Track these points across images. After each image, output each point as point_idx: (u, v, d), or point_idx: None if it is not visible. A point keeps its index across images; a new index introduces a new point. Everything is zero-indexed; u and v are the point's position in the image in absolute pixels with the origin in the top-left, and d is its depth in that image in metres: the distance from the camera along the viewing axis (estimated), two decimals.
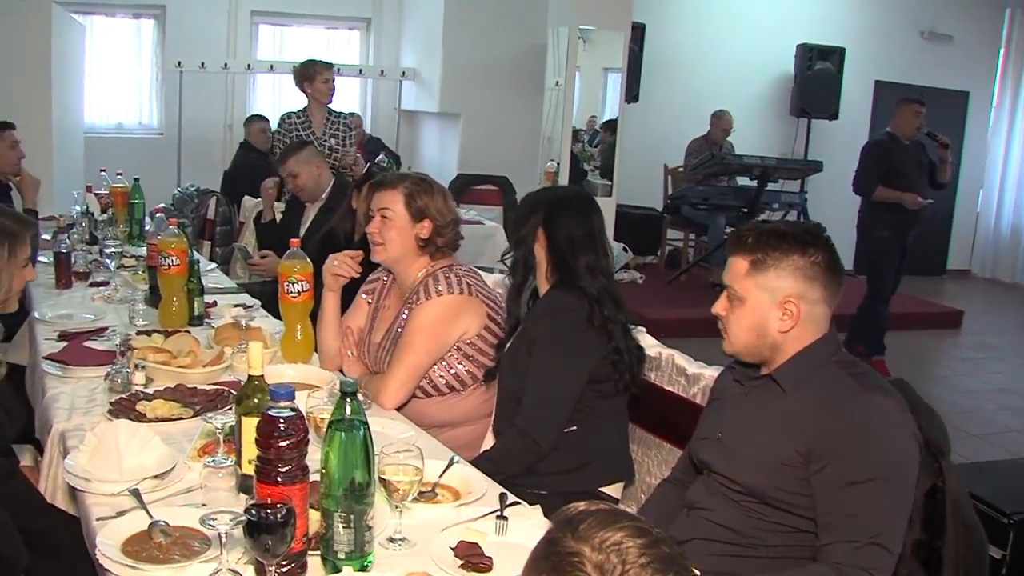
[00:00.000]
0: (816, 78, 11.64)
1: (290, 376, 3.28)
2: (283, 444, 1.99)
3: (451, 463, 2.67)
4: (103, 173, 6.32)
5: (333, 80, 6.78)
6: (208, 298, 4.32)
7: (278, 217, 6.02)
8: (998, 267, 13.62)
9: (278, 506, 1.89)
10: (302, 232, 5.65)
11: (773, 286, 2.34)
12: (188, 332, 3.72)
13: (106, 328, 3.98)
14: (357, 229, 4.85)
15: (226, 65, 10.22)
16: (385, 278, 3.64)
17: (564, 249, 3.18)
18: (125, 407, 3.01)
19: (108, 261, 4.79)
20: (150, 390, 3.17)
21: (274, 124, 7.17)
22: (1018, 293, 12.98)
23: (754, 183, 10.08)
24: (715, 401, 2.72)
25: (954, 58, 12.98)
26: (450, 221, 3.46)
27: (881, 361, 7.68)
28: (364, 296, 3.69)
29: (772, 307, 2.34)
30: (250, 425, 2.27)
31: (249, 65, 10.49)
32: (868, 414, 2.21)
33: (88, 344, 3.69)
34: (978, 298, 12.33)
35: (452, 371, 3.39)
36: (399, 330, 3.42)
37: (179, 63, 9.82)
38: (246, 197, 6.95)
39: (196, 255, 4.29)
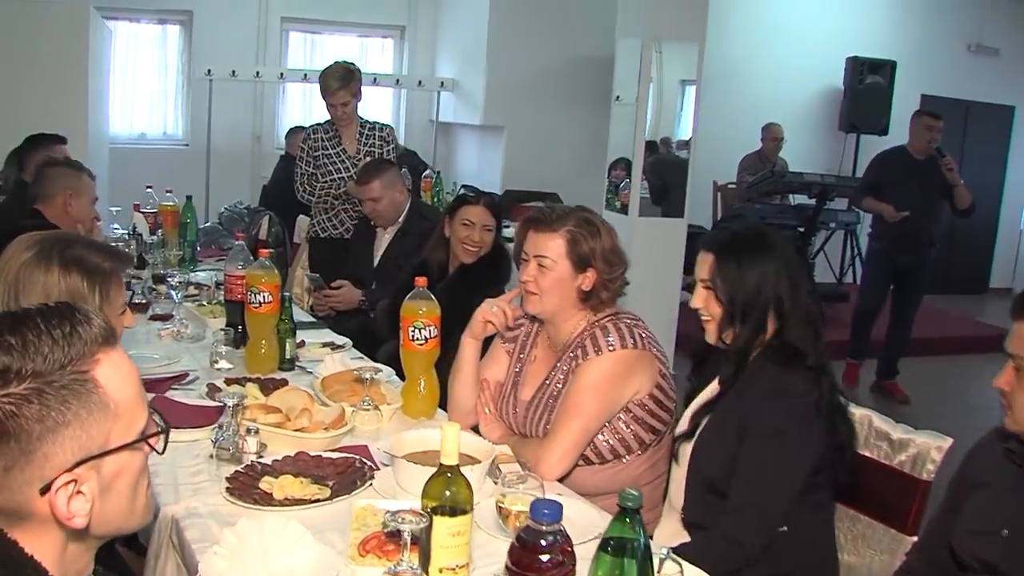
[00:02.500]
0: (867, 92, 11.20)
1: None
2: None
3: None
4: (149, 190, 5.81)
5: (351, 103, 5.72)
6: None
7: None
8: None
9: None
10: (376, 259, 5.17)
11: None
12: (297, 387, 3.19)
13: (186, 374, 3.48)
14: (452, 259, 4.37)
15: (258, 73, 9.74)
16: (529, 325, 3.12)
17: (786, 311, 2.65)
18: (245, 485, 2.51)
19: (173, 293, 4.25)
20: (267, 460, 2.65)
21: None
22: None
23: (810, 201, 9.61)
24: (982, 487, 2.27)
25: (1000, 72, 12.60)
26: (619, 272, 2.96)
27: (894, 383, 7.76)
28: (504, 345, 3.17)
29: None
30: (443, 527, 1.93)
31: (282, 74, 10.03)
32: None
33: (173, 396, 3.17)
34: None
35: (618, 435, 2.90)
36: (556, 388, 2.94)
37: (209, 71, 9.31)
38: (301, 216, 6.44)
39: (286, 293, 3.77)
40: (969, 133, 12.29)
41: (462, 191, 5.13)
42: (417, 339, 3.11)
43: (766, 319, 2.64)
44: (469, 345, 3.07)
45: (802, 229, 9.58)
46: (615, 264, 2.94)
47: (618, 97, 7.43)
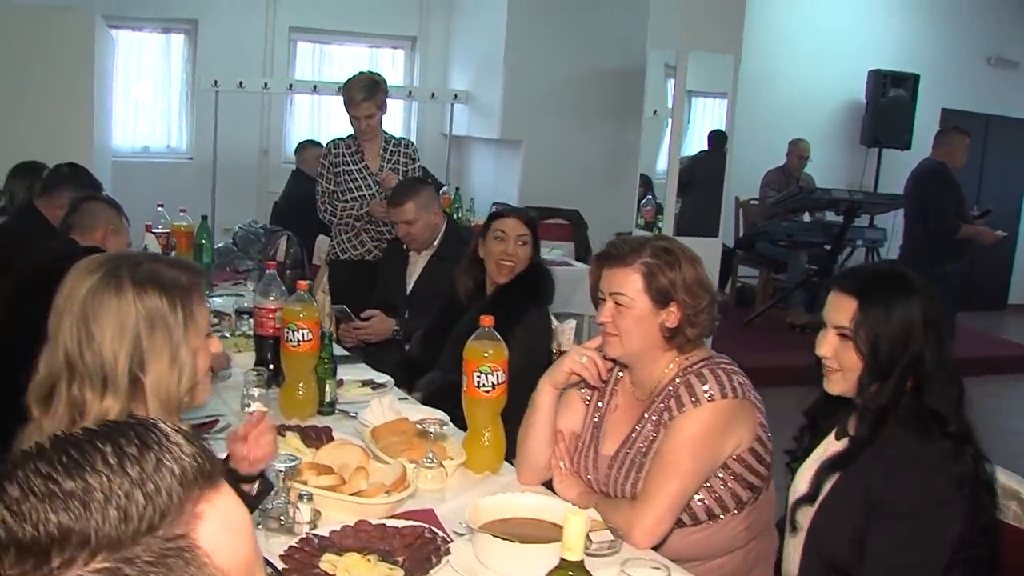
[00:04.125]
0: (889, 106, 10.93)
1: (529, 509, 2.42)
2: None
3: None
4: (160, 208, 5.46)
5: (376, 116, 5.37)
6: None
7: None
8: None
9: None
10: (410, 285, 4.82)
11: None
12: (350, 441, 2.83)
13: (216, 420, 3.13)
14: (488, 284, 4.03)
15: (266, 85, 9.37)
16: (609, 370, 2.77)
17: (928, 368, 2.32)
18: (303, 564, 2.17)
19: None
20: (323, 530, 2.30)
21: None
22: None
23: (837, 218, 9.39)
24: None
25: (1020, 85, 12.37)
26: (705, 304, 2.61)
27: None
28: (581, 392, 2.82)
29: None
30: None
31: (291, 85, 9.65)
32: None
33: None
34: None
35: (714, 494, 2.57)
36: (644, 443, 2.61)
37: (215, 82, 8.93)
38: (320, 237, 6.09)
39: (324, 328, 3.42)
40: (989, 147, 12.05)
41: (494, 208, 4.77)
42: (483, 386, 2.78)
43: (907, 375, 2.31)
44: (547, 393, 2.73)
45: (828, 246, 9.35)
46: (700, 296, 2.60)
47: (655, 112, 7.11)
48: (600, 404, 2.78)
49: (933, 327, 2.32)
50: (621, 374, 2.77)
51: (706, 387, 2.50)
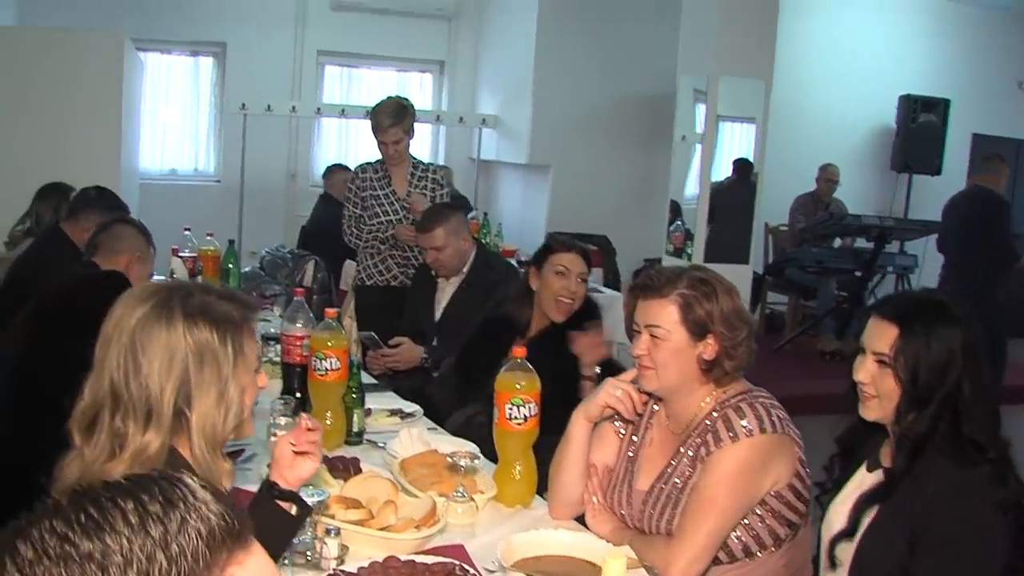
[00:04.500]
0: (920, 131, 10.81)
1: (563, 546, 2.36)
2: None
3: None
4: (188, 232, 5.44)
5: (403, 141, 5.32)
6: None
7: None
8: None
9: None
10: (438, 312, 4.76)
11: None
12: (378, 474, 2.78)
13: (242, 450, 3.08)
14: (536, 317, 3.92)
15: (294, 108, 9.36)
16: (644, 404, 2.70)
17: (966, 397, 2.28)
18: None
19: None
20: (351, 566, 2.25)
21: None
22: None
23: (868, 244, 9.30)
24: None
25: None
26: (743, 336, 2.54)
27: None
28: (614, 425, 2.75)
29: None
30: None
31: (319, 108, 9.63)
32: None
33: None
34: None
35: (752, 531, 2.48)
36: (680, 479, 2.53)
37: (243, 105, 8.94)
38: (348, 262, 6.04)
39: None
40: (1021, 172, 11.89)
41: (548, 238, 4.69)
42: (515, 418, 2.72)
43: (946, 404, 2.27)
44: (580, 426, 2.67)
45: (859, 273, 9.26)
46: (738, 328, 2.53)
47: (683, 137, 7.05)
48: (635, 438, 2.71)
49: (973, 356, 2.29)
50: (656, 407, 2.70)
51: (744, 422, 2.43)
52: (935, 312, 2.32)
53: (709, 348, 2.51)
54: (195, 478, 0.88)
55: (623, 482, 2.68)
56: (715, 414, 2.50)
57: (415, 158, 5.48)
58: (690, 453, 2.52)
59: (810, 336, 9.48)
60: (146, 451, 1.79)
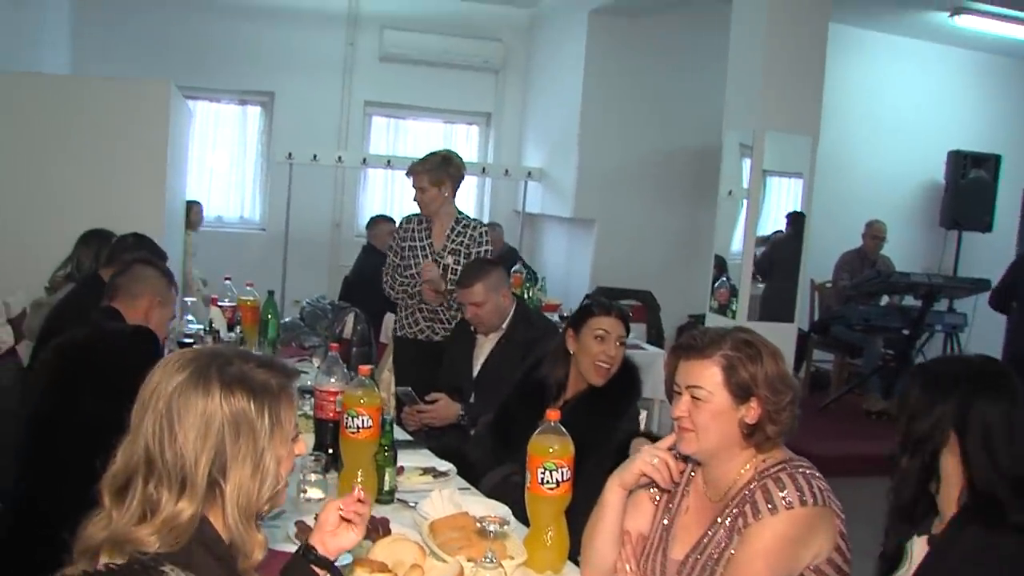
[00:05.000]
0: (970, 187, 10.63)
1: None
2: None
3: None
4: (228, 282, 5.44)
5: (429, 191, 5.26)
6: None
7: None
8: None
9: None
10: (476, 368, 4.71)
11: None
12: (406, 537, 2.71)
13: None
14: (573, 380, 3.86)
15: (340, 158, 9.46)
16: (681, 472, 2.63)
17: (989, 465, 2.27)
18: None
19: None
20: None
21: None
22: None
23: (915, 302, 9.14)
24: None
25: None
26: (787, 401, 2.47)
27: None
28: (650, 492, 2.68)
29: None
30: None
31: (365, 159, 9.73)
32: None
33: None
34: None
35: None
36: (716, 550, 2.45)
37: (290, 154, 9.03)
38: (388, 314, 6.02)
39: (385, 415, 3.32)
40: None
41: (587, 300, 4.62)
42: (547, 483, 2.65)
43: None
44: (615, 493, 2.60)
45: (906, 331, 9.10)
46: (782, 392, 2.46)
47: (730, 192, 6.99)
48: (671, 505, 2.64)
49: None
50: (693, 473, 2.63)
51: (784, 493, 2.35)
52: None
53: (752, 412, 2.44)
54: (175, 568, 0.84)
55: (657, 551, 2.61)
56: (754, 485, 2.43)
57: (462, 213, 5.43)
58: (727, 523, 2.44)
59: (856, 395, 9.33)
60: (178, 519, 1.76)
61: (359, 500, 2.15)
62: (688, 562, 2.50)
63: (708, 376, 2.45)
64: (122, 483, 1.82)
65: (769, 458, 2.48)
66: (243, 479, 1.83)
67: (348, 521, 2.13)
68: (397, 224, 5.61)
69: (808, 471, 2.44)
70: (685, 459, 2.58)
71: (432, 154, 5.38)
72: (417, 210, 5.42)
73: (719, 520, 2.48)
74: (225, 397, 1.82)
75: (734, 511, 2.44)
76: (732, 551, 2.41)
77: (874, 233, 9.81)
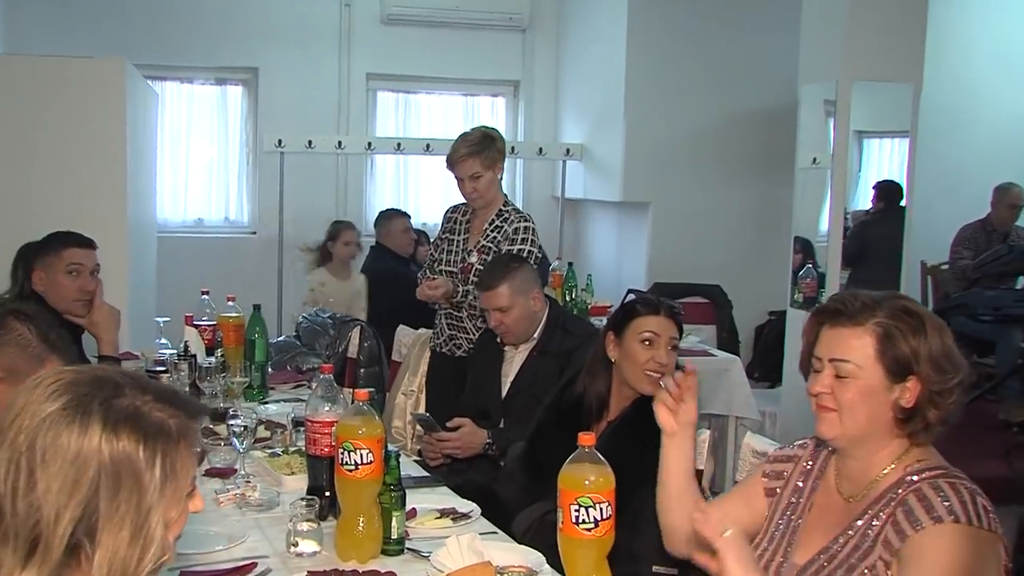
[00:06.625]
0: None
1: None
2: None
3: None
4: (206, 297, 5.44)
5: (483, 176, 5.31)
6: None
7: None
8: None
9: None
10: (505, 387, 4.71)
11: None
12: None
13: (253, 564, 2.99)
14: (617, 391, 3.82)
15: (340, 144, 9.46)
16: (806, 456, 2.74)
17: None
18: None
19: (235, 441, 3.79)
20: None
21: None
22: None
23: None
24: None
25: None
26: (954, 383, 2.48)
27: None
28: (764, 480, 2.79)
29: None
30: None
31: (370, 144, 9.74)
32: None
33: None
34: None
35: None
36: (855, 556, 2.47)
37: (279, 141, 9.04)
38: (401, 328, 6.03)
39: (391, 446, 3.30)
40: None
41: (629, 297, 4.60)
42: (584, 522, 2.61)
43: None
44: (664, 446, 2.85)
45: None
46: (948, 372, 2.48)
47: (815, 160, 6.92)
48: (794, 500, 2.70)
49: None
50: (827, 463, 2.70)
51: (949, 504, 2.35)
52: None
53: (908, 393, 2.47)
54: None
55: (776, 552, 2.66)
56: (904, 488, 2.44)
57: (508, 202, 5.52)
58: (870, 531, 2.46)
59: (989, 402, 9.20)
60: None
61: None
62: (812, 567, 2.54)
63: (858, 347, 2.48)
64: None
65: (921, 461, 2.49)
66: (118, 546, 1.68)
67: None
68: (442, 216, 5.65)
69: (971, 486, 2.44)
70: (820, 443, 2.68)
71: (466, 134, 5.42)
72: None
73: (859, 524, 2.50)
74: (107, 438, 1.69)
75: (880, 514, 2.45)
76: (877, 562, 2.41)
77: (1011, 201, 9.58)
